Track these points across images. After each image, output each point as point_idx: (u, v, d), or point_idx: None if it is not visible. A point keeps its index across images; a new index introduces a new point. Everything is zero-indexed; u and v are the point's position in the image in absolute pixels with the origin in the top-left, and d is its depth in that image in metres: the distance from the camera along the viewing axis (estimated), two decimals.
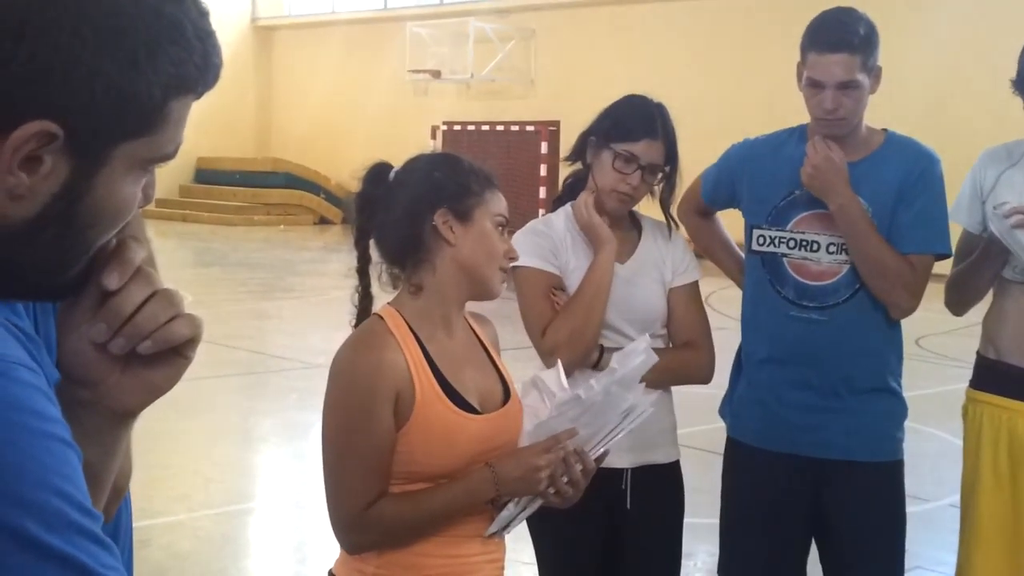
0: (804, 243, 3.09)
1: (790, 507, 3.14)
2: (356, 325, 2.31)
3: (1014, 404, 3.15)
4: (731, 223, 3.44)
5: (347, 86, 25.45)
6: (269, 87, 27.59)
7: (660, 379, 2.76)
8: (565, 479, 2.20)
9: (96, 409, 1.11)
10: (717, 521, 3.31)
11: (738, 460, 3.25)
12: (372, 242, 2.32)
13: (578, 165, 3.11)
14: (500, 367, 2.35)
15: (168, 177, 24.78)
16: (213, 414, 7.81)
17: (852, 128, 3.04)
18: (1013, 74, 3.11)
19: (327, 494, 2.22)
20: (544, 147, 19.67)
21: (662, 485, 3.05)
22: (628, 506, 2.98)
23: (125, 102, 0.99)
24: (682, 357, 3.01)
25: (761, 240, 3.15)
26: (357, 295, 2.33)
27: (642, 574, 3.06)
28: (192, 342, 1.12)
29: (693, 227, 3.45)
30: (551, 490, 2.21)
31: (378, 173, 2.33)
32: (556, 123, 19.53)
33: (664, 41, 20.26)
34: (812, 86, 3.00)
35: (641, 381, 2.30)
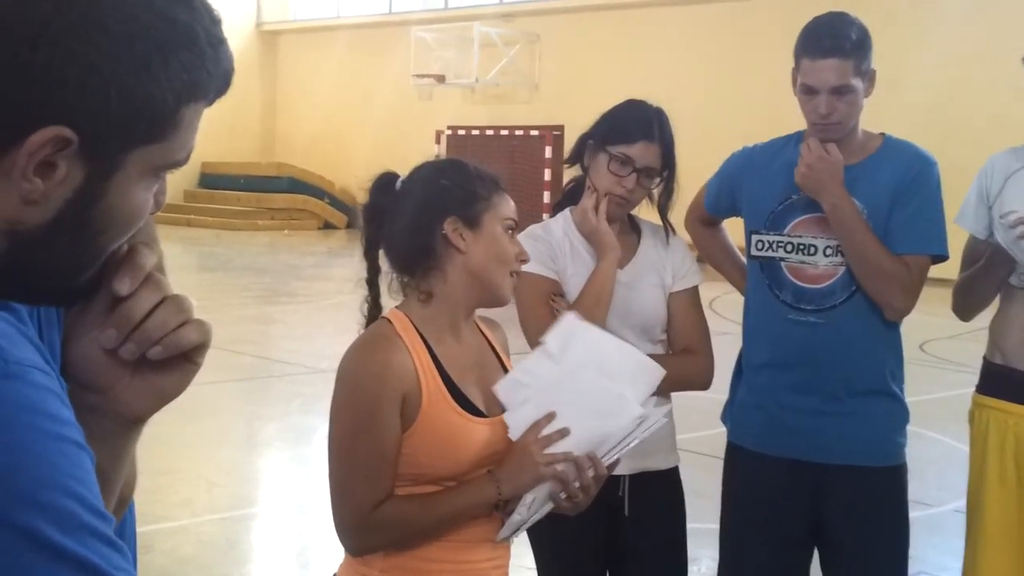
0: (801, 247, 3.10)
1: (791, 512, 3.14)
2: None
3: (1020, 409, 3.15)
4: (734, 230, 3.45)
5: (352, 91, 25.49)
6: (274, 92, 27.63)
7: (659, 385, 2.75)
8: (577, 484, 2.19)
9: (105, 414, 1.12)
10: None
11: (738, 465, 3.25)
12: (381, 252, 2.32)
13: (578, 170, 3.11)
14: (509, 370, 2.35)
15: (172, 181, 24.25)
16: (217, 419, 7.81)
17: (848, 132, 3.05)
18: (1015, 77, 3.11)
19: (332, 496, 2.22)
20: (548, 152, 19.69)
21: (661, 491, 3.05)
22: (626, 512, 2.98)
23: (139, 108, 1.00)
24: (681, 363, 3.01)
25: (760, 245, 3.16)
26: (367, 305, 2.33)
27: None
28: (201, 348, 1.13)
29: (698, 237, 3.48)
30: (563, 495, 2.20)
31: (385, 183, 2.33)
32: (560, 128, 19.54)
33: (669, 46, 20.28)
34: (806, 92, 3.02)
35: (654, 394, 2.30)
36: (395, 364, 2.16)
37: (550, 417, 2.19)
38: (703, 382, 3.03)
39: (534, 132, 20.84)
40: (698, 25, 20.05)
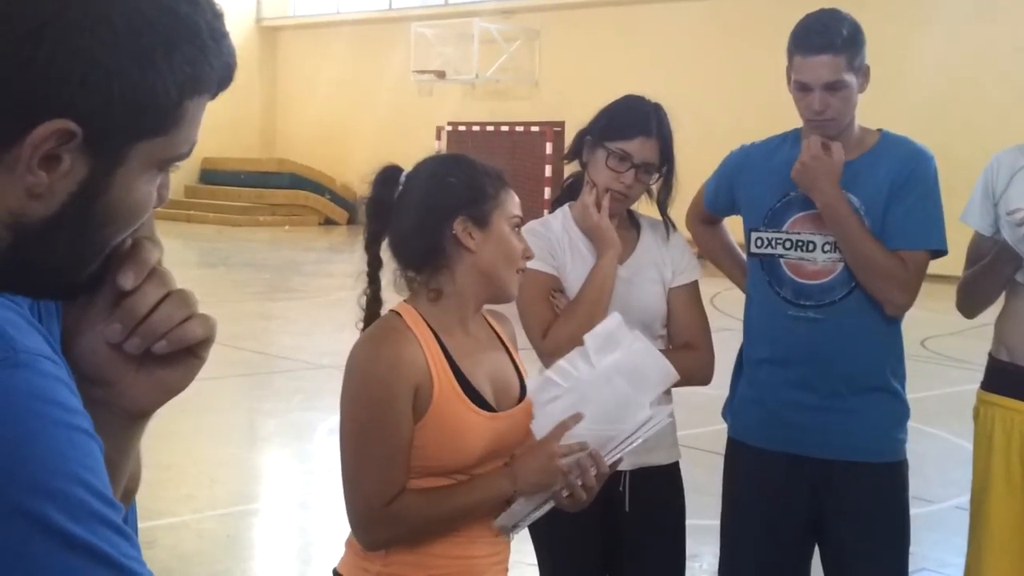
0: (800, 243, 3.10)
1: (790, 507, 3.14)
2: (363, 329, 2.30)
3: None
4: (735, 228, 3.45)
5: (352, 86, 25.48)
6: (274, 87, 27.62)
7: None
8: (579, 482, 2.19)
9: (110, 409, 1.13)
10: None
11: (738, 460, 3.25)
12: (383, 246, 2.30)
13: (578, 166, 3.11)
14: (518, 363, 2.35)
15: (173, 177, 24.42)
16: (218, 415, 7.81)
17: (843, 128, 3.06)
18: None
19: (345, 490, 2.20)
20: (549, 148, 19.69)
21: (661, 487, 3.05)
22: (627, 508, 2.98)
23: (142, 101, 1.00)
24: (681, 358, 2.99)
25: (759, 242, 3.17)
26: (365, 298, 2.32)
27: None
28: (206, 342, 1.14)
29: (699, 235, 3.48)
30: (564, 492, 2.20)
31: (388, 177, 2.31)
32: (561, 124, 19.54)
33: (669, 42, 20.26)
34: (800, 89, 3.04)
35: (666, 392, 2.29)
36: (407, 356, 2.15)
37: (576, 418, 2.18)
38: (703, 377, 3.03)
39: (534, 128, 20.83)
40: (698, 21, 20.03)
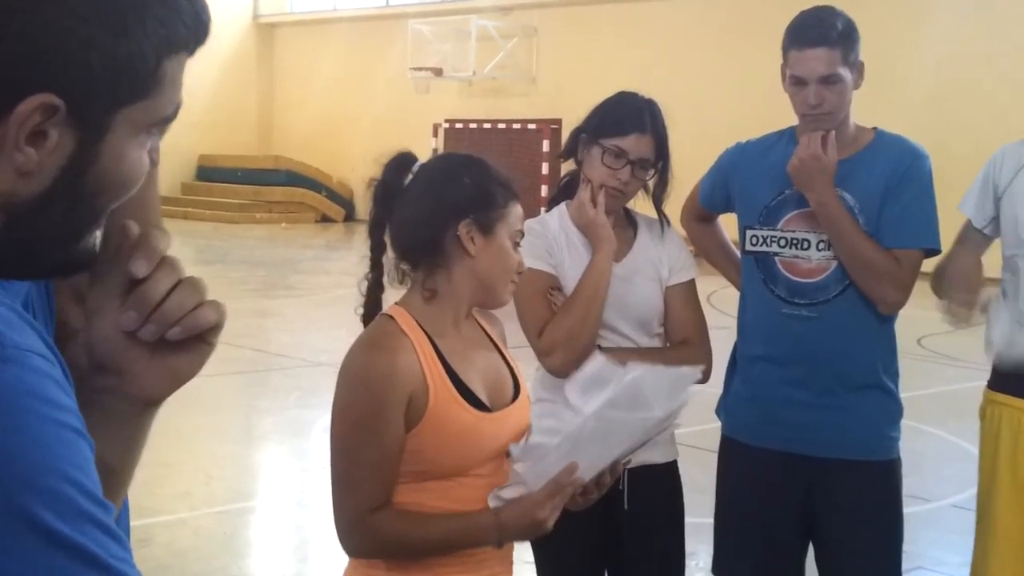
0: (795, 241, 3.11)
1: (784, 505, 3.14)
2: (364, 316, 2.28)
3: None
4: (729, 225, 3.45)
5: (349, 83, 25.46)
6: (271, 84, 27.60)
7: None
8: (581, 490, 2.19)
9: (123, 397, 1.14)
10: None
11: (732, 458, 3.26)
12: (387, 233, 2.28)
13: (574, 164, 3.11)
14: (510, 361, 2.34)
15: (170, 175, 24.78)
16: (215, 412, 7.81)
17: (838, 123, 3.07)
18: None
19: (333, 496, 2.20)
20: (546, 145, 19.68)
21: (659, 485, 3.05)
22: (625, 506, 2.98)
23: (120, 68, 1.01)
24: (678, 356, 3.00)
25: (754, 240, 3.17)
26: (366, 283, 2.30)
27: (643, 574, 3.05)
28: (217, 328, 1.16)
29: (694, 233, 3.48)
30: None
31: (402, 163, 2.28)
32: (558, 121, 19.53)
33: (666, 39, 20.26)
34: (795, 83, 3.05)
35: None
36: (401, 364, 2.13)
37: (571, 470, 2.11)
38: (701, 375, 3.02)
39: (531, 126, 20.82)
40: (695, 18, 20.03)
